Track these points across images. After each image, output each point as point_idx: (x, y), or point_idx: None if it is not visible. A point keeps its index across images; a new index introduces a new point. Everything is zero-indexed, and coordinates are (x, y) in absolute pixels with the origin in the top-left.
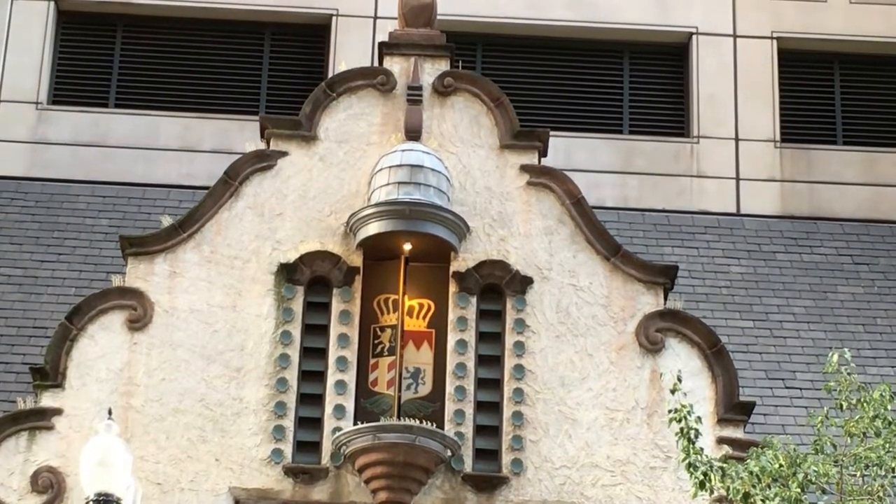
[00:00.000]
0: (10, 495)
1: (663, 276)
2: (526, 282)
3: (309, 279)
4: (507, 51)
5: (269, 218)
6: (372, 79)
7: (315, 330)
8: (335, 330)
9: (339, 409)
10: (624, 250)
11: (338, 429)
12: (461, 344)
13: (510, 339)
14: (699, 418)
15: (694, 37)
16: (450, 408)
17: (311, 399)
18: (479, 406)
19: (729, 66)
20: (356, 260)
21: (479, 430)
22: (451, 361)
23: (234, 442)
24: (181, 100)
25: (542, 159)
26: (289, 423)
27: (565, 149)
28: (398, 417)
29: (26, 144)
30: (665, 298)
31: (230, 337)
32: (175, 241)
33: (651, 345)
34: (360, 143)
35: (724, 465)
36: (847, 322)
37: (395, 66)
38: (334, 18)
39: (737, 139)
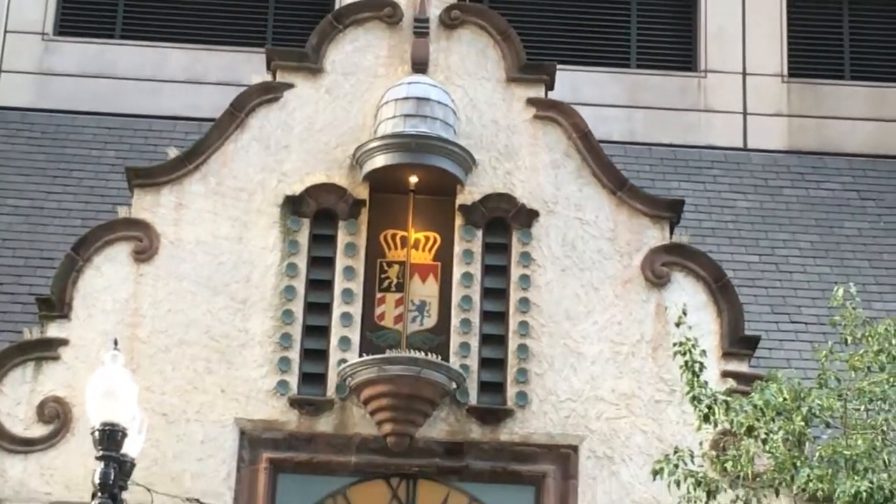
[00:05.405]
0: (16, 425)
1: (669, 211)
2: (532, 215)
3: (315, 211)
4: None
5: (275, 150)
6: (378, 11)
7: (321, 262)
8: (341, 262)
9: (345, 342)
10: (630, 184)
11: (343, 361)
12: (467, 277)
13: (516, 272)
14: (704, 352)
15: None
16: (455, 340)
17: (316, 331)
18: (485, 339)
19: (737, 0)
20: (362, 192)
21: (484, 362)
22: (457, 294)
23: (240, 373)
24: (187, 31)
25: (549, 93)
26: (294, 354)
27: (572, 82)
28: (405, 350)
29: (32, 75)
30: (671, 233)
31: (236, 269)
32: (181, 172)
33: (657, 279)
34: (367, 75)
35: (729, 399)
36: (853, 257)
37: None
38: None
39: (744, 73)
